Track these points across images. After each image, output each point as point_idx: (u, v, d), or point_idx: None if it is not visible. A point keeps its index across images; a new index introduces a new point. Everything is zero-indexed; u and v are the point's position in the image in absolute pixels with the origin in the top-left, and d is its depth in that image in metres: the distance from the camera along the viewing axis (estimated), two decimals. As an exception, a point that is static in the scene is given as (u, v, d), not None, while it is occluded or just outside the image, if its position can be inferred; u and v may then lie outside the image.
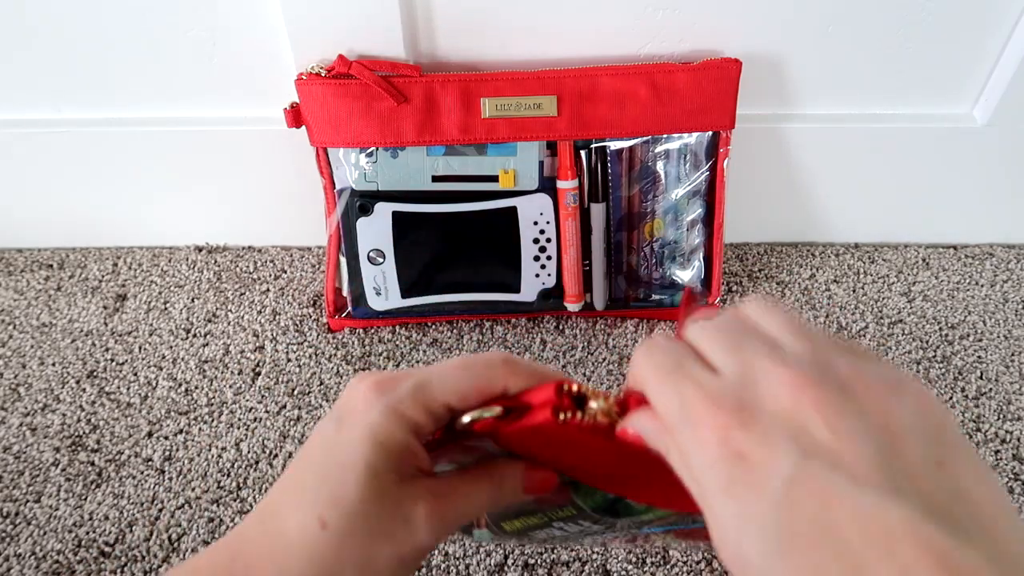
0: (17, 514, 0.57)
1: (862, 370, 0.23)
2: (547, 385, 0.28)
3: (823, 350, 0.24)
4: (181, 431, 0.62)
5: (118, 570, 0.54)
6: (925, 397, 0.23)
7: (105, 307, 0.72)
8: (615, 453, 0.28)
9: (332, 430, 0.29)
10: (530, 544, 0.53)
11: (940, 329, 0.68)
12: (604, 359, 0.66)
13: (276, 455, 0.60)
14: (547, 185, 0.61)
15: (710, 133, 0.61)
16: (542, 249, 0.64)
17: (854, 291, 0.71)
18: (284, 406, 0.63)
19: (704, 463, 0.23)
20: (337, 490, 0.27)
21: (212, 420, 0.63)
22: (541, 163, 0.61)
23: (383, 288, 0.65)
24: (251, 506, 0.57)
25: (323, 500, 0.27)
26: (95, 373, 0.66)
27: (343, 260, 0.65)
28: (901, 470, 0.21)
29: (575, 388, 0.28)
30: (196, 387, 0.65)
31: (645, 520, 0.35)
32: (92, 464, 0.60)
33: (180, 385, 0.65)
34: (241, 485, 0.58)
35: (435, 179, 0.61)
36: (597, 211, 0.62)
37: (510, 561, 0.54)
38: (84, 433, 0.62)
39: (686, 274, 0.66)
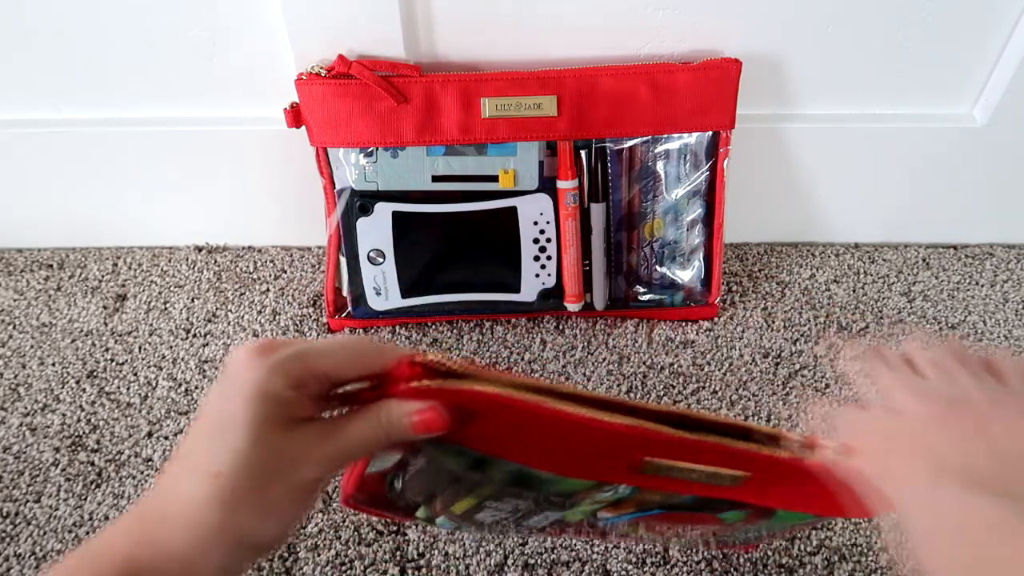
0: (17, 514, 0.57)
1: (996, 402, 0.31)
2: (400, 360, 0.32)
3: (966, 383, 0.32)
4: (181, 431, 0.62)
5: (118, 570, 0.54)
6: None
7: (105, 307, 0.72)
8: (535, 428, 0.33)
9: (215, 394, 0.31)
10: (487, 533, 0.54)
11: (940, 329, 0.68)
12: (604, 359, 0.66)
13: (276, 455, 0.60)
14: (547, 185, 0.61)
15: (710, 133, 0.61)
16: (542, 249, 0.64)
17: (854, 291, 0.71)
18: (284, 406, 0.63)
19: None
20: (226, 443, 0.30)
21: (212, 420, 0.63)
22: (541, 163, 0.61)
23: (383, 288, 0.65)
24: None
25: (214, 455, 0.30)
26: (95, 373, 0.66)
27: (343, 260, 0.65)
28: (1013, 483, 0.28)
29: (428, 359, 0.32)
30: (196, 387, 0.65)
31: (579, 500, 0.39)
32: (92, 464, 0.60)
33: (180, 385, 0.65)
34: (241, 485, 0.58)
35: (435, 179, 0.61)
36: (597, 211, 0.62)
37: (510, 561, 0.54)
38: (84, 433, 0.62)
39: (686, 274, 0.66)
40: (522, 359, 0.66)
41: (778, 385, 0.64)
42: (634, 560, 0.54)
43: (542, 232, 0.63)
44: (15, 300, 0.73)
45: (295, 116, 0.60)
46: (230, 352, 0.33)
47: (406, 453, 0.36)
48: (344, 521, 0.56)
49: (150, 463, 0.60)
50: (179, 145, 0.68)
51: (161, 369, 0.66)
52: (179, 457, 0.31)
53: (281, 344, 0.32)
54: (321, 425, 0.32)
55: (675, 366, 0.66)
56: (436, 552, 0.54)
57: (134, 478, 0.59)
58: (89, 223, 0.75)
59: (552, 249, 0.63)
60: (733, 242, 0.76)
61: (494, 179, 0.61)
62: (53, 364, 0.67)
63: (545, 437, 0.34)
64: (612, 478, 0.37)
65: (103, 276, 0.75)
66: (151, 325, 0.70)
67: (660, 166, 0.62)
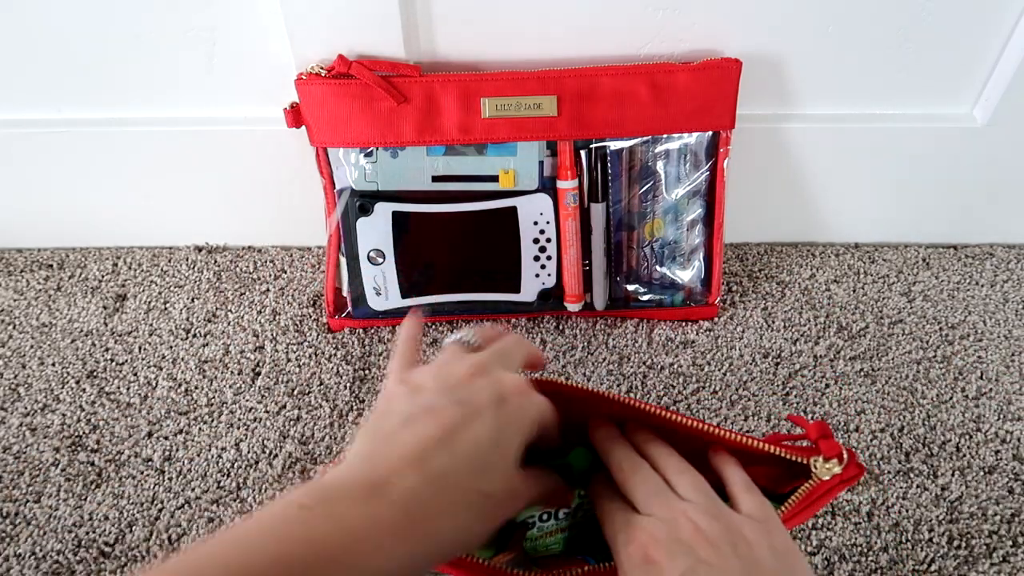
0: (17, 514, 0.57)
1: (741, 522, 0.34)
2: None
3: (720, 510, 0.35)
4: (181, 431, 0.62)
5: (118, 570, 0.54)
6: (784, 540, 0.34)
7: (105, 307, 0.72)
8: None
9: (494, 406, 0.34)
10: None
11: (940, 329, 0.68)
12: (604, 359, 0.66)
13: (276, 455, 0.60)
14: (547, 185, 0.61)
15: (710, 133, 0.61)
16: (542, 249, 0.64)
17: (854, 291, 0.71)
18: (284, 406, 0.63)
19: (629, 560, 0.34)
20: (500, 469, 0.33)
21: (212, 420, 0.63)
22: (541, 163, 0.61)
23: (383, 288, 0.65)
24: (251, 506, 0.57)
25: (487, 479, 0.33)
26: (95, 373, 0.66)
27: (343, 260, 0.65)
28: None
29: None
30: (196, 387, 0.65)
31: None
32: (92, 464, 0.60)
33: (180, 385, 0.65)
34: (241, 485, 0.58)
35: (435, 179, 0.61)
36: (597, 211, 0.62)
37: (510, 561, 0.54)
38: (84, 433, 0.62)
39: (686, 274, 0.66)
40: (522, 359, 0.66)
41: (778, 385, 0.64)
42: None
43: (542, 232, 0.63)
44: (15, 300, 0.73)
45: (295, 116, 0.60)
46: (503, 378, 0.35)
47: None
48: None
49: (150, 463, 0.60)
50: (179, 145, 0.68)
51: (161, 369, 0.66)
52: (457, 464, 0.32)
53: (536, 383, 0.36)
54: (530, 472, 0.36)
55: (675, 366, 0.66)
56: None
57: (134, 478, 0.59)
58: (89, 223, 0.75)
59: (552, 249, 0.63)
60: (733, 242, 0.76)
61: (494, 179, 0.61)
62: (53, 364, 0.67)
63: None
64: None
65: (103, 276, 0.75)
66: (151, 325, 0.70)
67: (660, 166, 0.62)
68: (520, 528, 0.41)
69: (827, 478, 0.36)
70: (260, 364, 0.66)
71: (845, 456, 0.36)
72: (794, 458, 0.37)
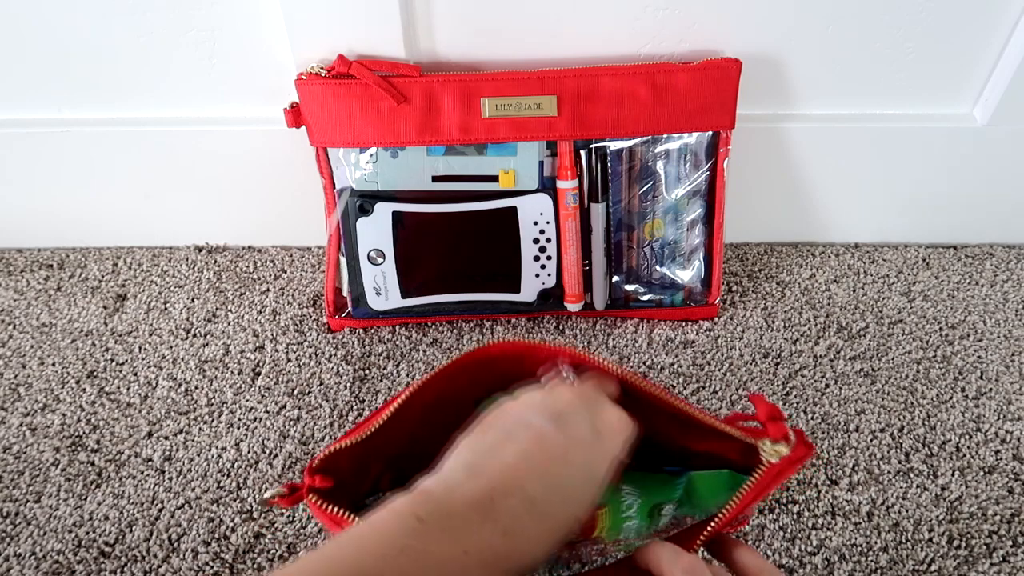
0: (17, 514, 0.57)
1: None
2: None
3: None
4: (181, 431, 0.62)
5: (118, 570, 0.54)
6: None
7: (105, 307, 0.72)
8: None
9: (592, 439, 0.35)
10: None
11: (940, 329, 0.68)
12: (604, 359, 0.66)
13: (276, 455, 0.60)
14: (547, 185, 0.61)
15: (710, 133, 0.61)
16: (542, 249, 0.64)
17: (854, 291, 0.71)
18: (284, 406, 0.63)
19: None
20: (587, 496, 0.34)
21: (212, 420, 0.63)
22: (541, 163, 0.61)
23: (383, 288, 0.65)
24: (251, 506, 0.57)
25: (578, 504, 0.34)
26: (95, 373, 0.66)
27: (343, 260, 0.65)
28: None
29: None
30: (196, 387, 0.65)
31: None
32: (92, 464, 0.60)
33: (180, 385, 0.65)
34: (241, 485, 0.58)
35: (435, 179, 0.61)
36: (597, 211, 0.62)
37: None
38: (84, 433, 0.62)
39: (686, 274, 0.66)
40: (522, 359, 0.66)
41: (778, 385, 0.64)
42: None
43: (542, 232, 0.63)
44: (15, 300, 0.73)
45: (295, 116, 0.60)
46: (605, 412, 0.36)
47: None
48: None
49: (150, 463, 0.60)
50: (179, 145, 0.68)
51: (161, 369, 0.66)
52: (547, 482, 0.33)
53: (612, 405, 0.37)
54: None
55: (675, 366, 0.66)
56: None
57: (134, 478, 0.59)
58: (89, 223, 0.75)
59: (552, 249, 0.63)
60: (733, 242, 0.76)
61: (494, 179, 0.61)
62: (53, 364, 0.67)
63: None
64: None
65: (103, 276, 0.75)
66: (151, 325, 0.70)
67: (660, 166, 0.62)
68: None
69: (775, 460, 0.36)
70: (260, 364, 0.66)
71: (792, 437, 0.36)
72: (745, 439, 0.37)
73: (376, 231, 0.62)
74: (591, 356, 0.40)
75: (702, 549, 0.38)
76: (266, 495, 0.37)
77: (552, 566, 0.45)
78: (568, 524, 0.33)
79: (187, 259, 0.75)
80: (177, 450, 0.61)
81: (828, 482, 0.58)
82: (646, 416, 0.40)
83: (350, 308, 0.67)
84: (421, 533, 0.30)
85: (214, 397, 0.64)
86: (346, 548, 0.29)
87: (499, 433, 0.34)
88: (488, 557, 0.30)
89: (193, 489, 0.58)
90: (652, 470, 0.44)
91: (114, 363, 0.67)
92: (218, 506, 0.57)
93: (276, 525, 0.56)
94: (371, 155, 0.60)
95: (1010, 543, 0.54)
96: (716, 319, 0.69)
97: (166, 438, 0.62)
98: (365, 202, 0.61)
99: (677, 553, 0.34)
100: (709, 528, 0.37)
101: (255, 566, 0.54)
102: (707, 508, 0.40)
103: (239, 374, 0.66)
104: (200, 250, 0.76)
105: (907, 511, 0.56)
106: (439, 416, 0.39)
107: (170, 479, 0.59)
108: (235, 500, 0.58)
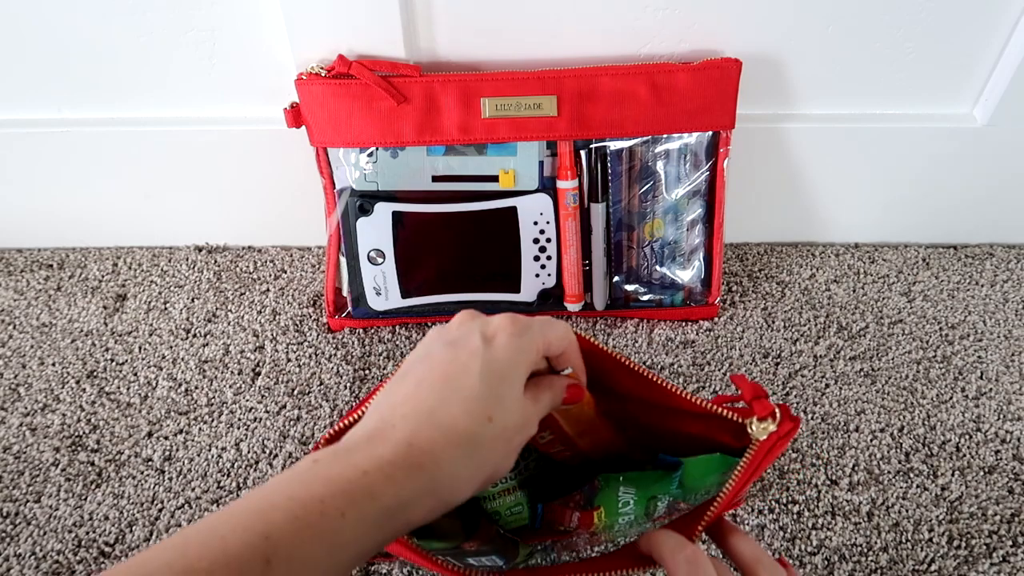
0: (17, 514, 0.57)
1: None
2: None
3: None
4: (181, 431, 0.62)
5: (118, 570, 0.54)
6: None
7: (105, 307, 0.72)
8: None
9: (482, 348, 0.35)
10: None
11: (940, 329, 0.68)
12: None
13: (276, 455, 0.60)
14: (547, 185, 0.61)
15: (710, 133, 0.61)
16: (542, 249, 0.64)
17: (854, 291, 0.71)
18: (284, 406, 0.63)
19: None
20: (499, 393, 0.34)
21: (212, 420, 0.63)
22: (541, 163, 0.61)
23: (383, 288, 0.65)
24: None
25: (490, 402, 0.34)
26: (95, 373, 0.66)
27: (343, 260, 0.65)
28: None
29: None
30: (196, 387, 0.65)
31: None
32: (92, 464, 0.60)
33: (180, 385, 0.65)
34: (241, 485, 0.58)
35: (435, 179, 0.61)
36: (597, 211, 0.62)
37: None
38: (84, 433, 0.62)
39: (686, 274, 0.66)
40: (522, 359, 0.66)
41: (778, 385, 0.64)
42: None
43: (542, 232, 0.63)
44: (15, 300, 0.73)
45: (295, 116, 0.60)
46: (489, 320, 0.37)
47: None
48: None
49: (150, 463, 0.60)
50: (179, 145, 0.68)
51: (161, 369, 0.66)
52: (443, 394, 0.34)
53: (527, 323, 0.37)
54: (533, 385, 0.37)
55: (675, 366, 0.66)
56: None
57: (134, 478, 0.59)
58: (89, 223, 0.75)
59: (552, 249, 0.63)
60: (733, 242, 0.76)
61: (494, 179, 0.61)
62: (53, 364, 0.67)
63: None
64: None
65: (103, 276, 0.75)
66: (151, 325, 0.70)
67: (660, 166, 0.62)
68: (488, 516, 0.42)
69: (763, 438, 0.36)
70: (260, 364, 0.66)
71: (778, 413, 0.36)
72: (734, 418, 0.38)
73: (376, 231, 0.62)
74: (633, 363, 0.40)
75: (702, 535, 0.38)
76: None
77: (545, 555, 0.45)
78: (481, 433, 0.33)
79: (187, 259, 0.75)
80: (177, 450, 0.61)
81: (828, 482, 0.58)
82: (632, 401, 0.40)
83: (350, 308, 0.67)
84: (317, 467, 0.31)
85: (214, 397, 0.64)
86: (252, 492, 0.31)
87: (400, 375, 0.36)
88: (397, 472, 0.31)
89: (193, 489, 0.58)
90: (648, 463, 0.44)
91: (114, 363, 0.67)
92: (218, 506, 0.57)
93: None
94: (371, 155, 0.60)
95: (1010, 543, 0.54)
96: (716, 319, 0.69)
97: (166, 438, 0.62)
98: (365, 202, 0.61)
99: (680, 543, 0.35)
100: (709, 513, 0.37)
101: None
102: (697, 490, 0.41)
103: (239, 374, 0.66)
104: (200, 250, 0.76)
105: (907, 511, 0.56)
106: None
107: (170, 479, 0.59)
108: (235, 500, 0.58)
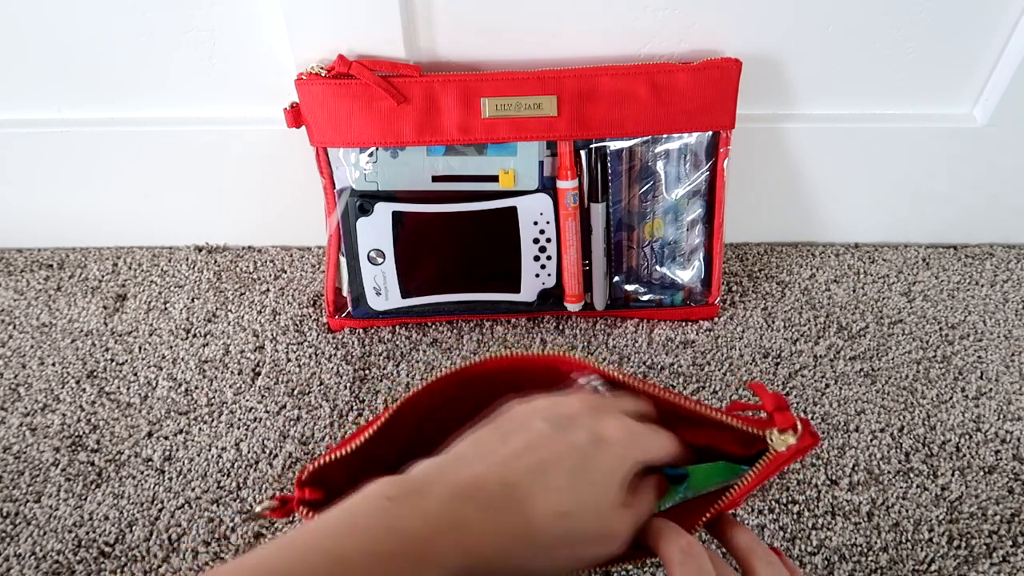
0: (17, 514, 0.57)
1: None
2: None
3: None
4: (181, 431, 0.62)
5: (118, 570, 0.54)
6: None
7: (105, 307, 0.72)
8: None
9: (590, 446, 0.34)
10: None
11: (940, 329, 0.68)
12: (604, 359, 0.66)
13: (276, 455, 0.60)
14: (547, 185, 0.61)
15: (710, 133, 0.61)
16: (542, 249, 0.64)
17: (854, 291, 0.71)
18: (284, 406, 0.63)
19: None
20: (586, 493, 0.33)
21: (212, 420, 0.63)
22: (541, 163, 0.61)
23: (383, 288, 0.65)
24: (251, 506, 0.57)
25: (572, 496, 0.32)
26: (95, 373, 0.66)
27: (343, 260, 0.65)
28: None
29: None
30: (196, 387, 0.65)
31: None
32: (92, 464, 0.60)
33: (180, 385, 0.65)
34: (241, 485, 0.58)
35: (435, 179, 0.61)
36: (597, 211, 0.62)
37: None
38: (84, 433, 0.62)
39: (686, 274, 0.66)
40: (522, 359, 0.66)
41: (778, 385, 0.64)
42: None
43: (542, 232, 0.63)
44: (15, 300, 0.73)
45: (295, 116, 0.60)
46: (607, 421, 0.36)
47: None
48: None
49: (150, 463, 0.60)
50: (179, 145, 0.68)
51: (161, 369, 0.66)
52: (530, 474, 0.33)
53: (641, 432, 0.36)
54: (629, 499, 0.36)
55: (675, 366, 0.66)
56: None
57: (134, 478, 0.59)
58: (89, 223, 0.75)
59: (552, 249, 0.63)
60: (733, 242, 0.76)
61: (494, 179, 0.61)
62: (53, 364, 0.67)
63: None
64: None
65: (103, 276, 0.75)
66: (151, 325, 0.70)
67: (660, 166, 0.62)
68: None
69: (783, 449, 0.36)
70: (260, 364, 0.66)
71: (799, 427, 0.36)
72: (751, 430, 0.37)
73: (376, 231, 0.62)
74: (619, 372, 0.40)
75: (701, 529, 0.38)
76: (257, 508, 0.37)
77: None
78: (559, 528, 0.32)
79: (187, 259, 0.75)
80: (177, 450, 0.61)
81: (828, 482, 0.58)
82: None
83: (350, 308, 0.67)
84: (389, 512, 0.30)
85: (214, 397, 0.64)
86: (309, 531, 0.29)
87: (498, 431, 0.35)
88: (465, 541, 0.30)
89: (193, 489, 0.58)
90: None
91: (114, 363, 0.67)
92: (218, 506, 0.57)
93: (276, 525, 0.56)
94: (371, 155, 0.60)
95: (1010, 543, 0.54)
96: (716, 319, 0.69)
97: (166, 438, 0.62)
98: (365, 202, 0.61)
99: (677, 533, 0.35)
100: (711, 511, 0.37)
101: None
102: (700, 491, 0.41)
103: (239, 374, 0.66)
104: (200, 250, 0.76)
105: (907, 511, 0.56)
106: (433, 426, 0.40)
107: (170, 479, 0.59)
108: (235, 500, 0.58)
